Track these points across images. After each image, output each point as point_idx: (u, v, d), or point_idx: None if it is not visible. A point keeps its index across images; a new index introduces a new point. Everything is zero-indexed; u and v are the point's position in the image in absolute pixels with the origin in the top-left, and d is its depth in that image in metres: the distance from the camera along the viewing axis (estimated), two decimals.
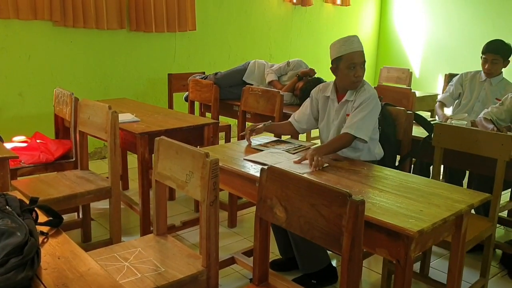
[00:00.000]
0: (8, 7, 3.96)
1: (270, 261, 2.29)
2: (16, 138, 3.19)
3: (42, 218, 1.50)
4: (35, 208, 1.45)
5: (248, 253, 2.60)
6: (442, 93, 5.16)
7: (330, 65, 2.57)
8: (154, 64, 5.01)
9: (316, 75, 3.86)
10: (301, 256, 2.42)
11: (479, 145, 2.41)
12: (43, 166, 3.02)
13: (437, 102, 3.78)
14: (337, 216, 1.37)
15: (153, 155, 2.01)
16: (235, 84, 4.00)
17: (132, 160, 3.81)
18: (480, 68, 3.54)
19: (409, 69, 5.52)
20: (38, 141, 3.20)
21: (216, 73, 4.10)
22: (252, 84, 3.98)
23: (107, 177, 2.71)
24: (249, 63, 4.13)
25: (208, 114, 4.17)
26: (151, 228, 2.90)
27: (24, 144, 3.12)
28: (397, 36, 7.10)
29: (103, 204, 3.31)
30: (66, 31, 4.37)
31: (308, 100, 2.77)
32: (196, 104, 4.21)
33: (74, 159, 3.11)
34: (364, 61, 2.50)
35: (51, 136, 3.41)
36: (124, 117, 2.98)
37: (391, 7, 7.12)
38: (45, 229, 1.43)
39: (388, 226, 1.53)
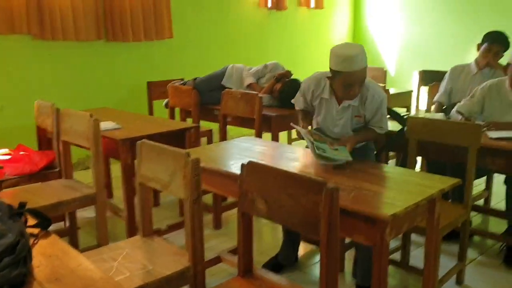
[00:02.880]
0: None
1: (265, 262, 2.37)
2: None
3: (32, 222, 1.54)
4: (25, 213, 1.50)
5: (234, 251, 2.67)
6: (417, 89, 5.34)
7: (329, 69, 2.40)
8: (133, 72, 5.06)
9: (292, 77, 3.95)
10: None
11: (450, 135, 2.52)
12: (27, 177, 3.04)
13: (435, 103, 3.66)
14: (314, 203, 1.45)
15: (135, 160, 2.07)
16: (214, 88, 4.07)
17: (116, 168, 3.84)
18: (459, 62, 3.55)
19: (383, 68, 5.67)
20: (21, 153, 3.22)
21: (195, 79, 4.17)
22: (231, 88, 4.05)
23: (92, 185, 2.75)
24: (227, 67, 4.21)
25: (189, 120, 4.23)
26: (138, 233, 2.96)
27: (8, 157, 3.14)
28: (371, 37, 7.26)
29: (89, 213, 3.35)
30: (45, 44, 4.40)
31: (300, 92, 2.63)
32: (177, 110, 4.27)
33: (58, 169, 3.14)
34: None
35: (34, 147, 3.43)
36: (106, 125, 3.02)
37: (364, 8, 7.29)
38: (35, 231, 1.48)
39: (364, 213, 1.62)
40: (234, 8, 5.86)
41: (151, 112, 4.65)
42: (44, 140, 3.49)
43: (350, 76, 2.26)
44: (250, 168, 1.66)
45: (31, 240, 1.42)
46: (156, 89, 4.67)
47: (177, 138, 3.07)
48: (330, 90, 2.44)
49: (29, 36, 4.31)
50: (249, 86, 4.00)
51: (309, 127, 2.54)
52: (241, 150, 2.53)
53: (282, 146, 2.70)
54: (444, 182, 1.91)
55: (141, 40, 4.95)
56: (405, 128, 2.74)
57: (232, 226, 3.35)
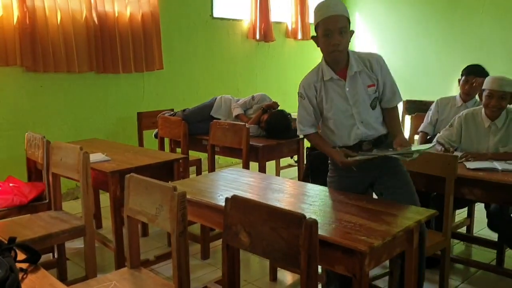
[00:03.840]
0: None
1: None
2: None
3: (21, 256, 1.59)
4: (14, 247, 1.55)
5: (220, 281, 2.71)
6: (401, 118, 5.47)
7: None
8: (124, 103, 5.14)
9: (279, 108, 4.06)
10: None
11: (429, 165, 2.61)
12: (16, 209, 3.07)
13: (419, 133, 3.74)
14: (295, 237, 1.51)
15: (119, 192, 2.13)
16: (203, 119, 4.16)
17: (104, 199, 3.87)
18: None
19: None
20: (11, 184, 3.26)
21: (184, 110, 4.26)
22: (219, 119, 4.14)
23: (81, 216, 2.79)
24: (215, 98, 4.31)
25: (178, 150, 4.31)
26: (126, 264, 2.99)
27: None
28: None
29: (78, 244, 3.37)
30: (36, 77, 4.48)
31: (302, 103, 2.43)
32: (166, 140, 4.34)
33: (47, 200, 3.18)
34: (345, 26, 2.20)
35: (23, 179, 3.47)
36: (95, 157, 3.08)
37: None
38: (24, 266, 1.53)
39: (343, 244, 1.68)
40: (223, 40, 6.01)
41: (141, 142, 4.72)
42: (34, 171, 3.53)
43: (327, 22, 2.16)
44: (233, 201, 1.73)
45: (20, 275, 1.46)
46: (146, 120, 4.75)
47: (166, 169, 3.13)
48: (327, 68, 2.31)
49: (21, 68, 4.39)
50: (237, 117, 4.09)
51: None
52: (228, 182, 2.59)
53: (268, 178, 2.76)
54: (421, 213, 1.98)
55: (132, 72, 5.05)
56: None
57: (219, 256, 3.35)
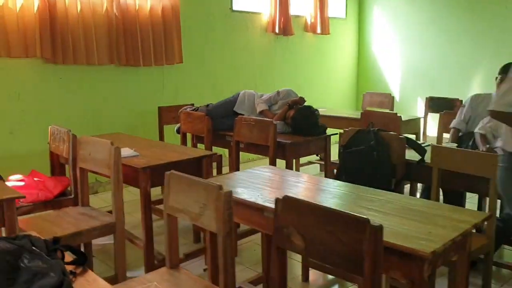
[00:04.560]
0: None
1: None
2: (12, 177, 3.17)
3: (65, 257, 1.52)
4: (60, 248, 1.48)
5: (254, 282, 2.64)
6: (424, 116, 5.37)
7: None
8: (144, 97, 5.07)
9: (305, 103, 3.96)
10: None
11: (472, 165, 2.52)
12: (42, 204, 3.01)
13: (451, 129, 3.66)
14: (357, 242, 1.43)
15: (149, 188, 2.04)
16: (226, 114, 4.08)
17: (125, 193, 3.81)
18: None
19: (390, 94, 5.71)
20: (35, 179, 3.19)
21: (207, 105, 4.18)
22: (243, 114, 4.06)
23: (107, 211, 2.72)
24: (239, 94, 4.22)
25: (200, 145, 4.23)
26: (155, 262, 2.92)
27: (22, 183, 3.11)
28: (376, 62, 7.33)
29: (101, 240, 3.30)
30: (56, 68, 4.41)
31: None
32: (188, 135, 4.26)
33: (72, 195, 3.11)
34: None
35: (46, 173, 3.41)
36: (124, 152, 3.00)
37: (370, 34, 7.37)
38: (71, 267, 1.45)
39: (403, 249, 1.60)
40: (242, 34, 5.92)
41: (161, 137, 4.64)
42: (57, 165, 3.47)
43: None
44: (285, 202, 1.64)
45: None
46: (166, 114, 4.67)
47: (193, 165, 3.05)
48: None
49: (41, 59, 4.32)
50: (262, 112, 4.00)
51: None
52: (264, 180, 2.51)
53: (308, 177, 2.67)
54: (476, 216, 1.90)
55: (152, 65, 4.97)
56: (424, 158, 2.74)
57: (247, 254, 3.32)
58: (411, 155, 2.99)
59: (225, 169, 4.62)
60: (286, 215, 1.64)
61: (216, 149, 4.36)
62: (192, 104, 4.72)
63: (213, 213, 1.78)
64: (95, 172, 2.81)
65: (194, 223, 1.90)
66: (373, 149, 2.80)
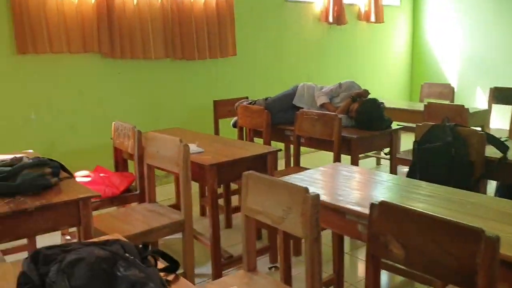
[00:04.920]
0: (60, 41, 4.04)
1: None
2: (79, 173, 3.19)
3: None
4: (153, 255, 1.43)
5: (325, 283, 2.56)
6: (488, 107, 5.10)
7: None
8: (198, 91, 5.05)
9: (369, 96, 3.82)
10: None
11: None
12: (108, 200, 3.02)
13: None
14: (469, 254, 1.31)
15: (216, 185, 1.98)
16: (285, 108, 3.99)
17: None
18: None
19: (450, 84, 5.45)
20: (101, 175, 3.21)
21: (266, 98, 4.09)
22: (302, 108, 3.95)
23: (169, 205, 2.69)
24: (297, 86, 4.11)
25: (257, 139, 4.16)
26: (222, 260, 2.88)
27: (88, 179, 3.13)
28: (431, 51, 7.04)
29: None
30: (114, 63, 4.43)
31: None
32: (244, 129, 4.20)
33: (138, 191, 3.11)
34: None
35: (110, 168, 3.42)
36: (190, 148, 2.96)
37: (424, 22, 7.08)
38: (163, 275, 1.41)
39: None
40: (295, 24, 5.79)
41: (216, 131, 4.60)
42: (120, 161, 3.48)
43: None
44: (382, 208, 1.54)
45: None
46: (221, 108, 4.62)
47: (258, 161, 2.98)
48: None
49: (99, 54, 4.35)
50: (323, 106, 3.88)
51: None
52: (341, 179, 2.40)
53: (374, 174, 2.55)
54: None
55: (206, 58, 4.93)
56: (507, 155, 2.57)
57: None
58: (492, 152, 2.80)
59: (280, 163, 4.53)
60: (383, 222, 1.54)
61: (274, 144, 4.29)
62: (247, 97, 4.65)
63: (298, 217, 1.70)
64: (163, 169, 2.78)
65: (276, 226, 1.82)
66: (450, 145, 2.65)
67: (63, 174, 2.44)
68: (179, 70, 4.87)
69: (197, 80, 5.02)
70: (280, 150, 3.17)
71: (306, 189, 1.69)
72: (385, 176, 2.40)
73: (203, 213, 4.06)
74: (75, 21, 4.12)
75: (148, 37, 4.52)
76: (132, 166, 3.50)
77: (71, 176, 2.49)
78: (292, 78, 5.72)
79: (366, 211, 1.61)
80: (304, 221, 1.68)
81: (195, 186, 3.58)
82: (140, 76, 4.63)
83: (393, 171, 3.69)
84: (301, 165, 3.65)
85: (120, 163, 3.48)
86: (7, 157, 2.65)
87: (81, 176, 3.19)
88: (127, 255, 1.37)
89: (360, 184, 2.33)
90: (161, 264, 1.45)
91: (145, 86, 4.68)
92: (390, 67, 7.02)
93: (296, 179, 2.46)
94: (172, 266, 1.44)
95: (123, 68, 4.51)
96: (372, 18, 6.45)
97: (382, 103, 3.67)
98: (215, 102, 4.64)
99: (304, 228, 1.68)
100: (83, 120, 4.32)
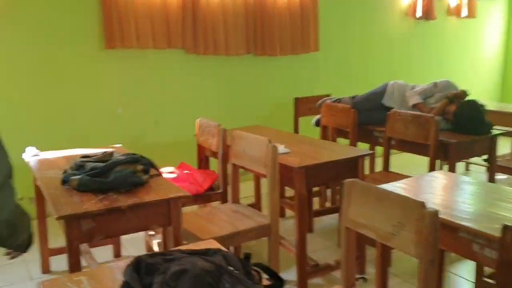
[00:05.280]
0: (146, 36, 4.06)
1: None
2: (164, 169, 3.17)
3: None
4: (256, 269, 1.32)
5: None
6: None
7: None
8: (278, 87, 4.93)
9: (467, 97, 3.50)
10: None
11: None
12: (192, 198, 2.97)
13: None
14: None
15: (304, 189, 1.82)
16: (374, 107, 3.77)
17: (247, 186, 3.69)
18: None
19: None
20: (185, 171, 3.18)
21: (353, 97, 3.89)
22: (392, 107, 3.72)
23: (248, 204, 2.58)
24: (387, 84, 3.87)
25: (339, 140, 3.97)
26: (307, 268, 2.75)
27: (173, 175, 3.11)
28: None
29: None
30: (197, 59, 4.41)
31: None
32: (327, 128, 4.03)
33: (221, 190, 3.05)
34: None
35: (192, 165, 3.39)
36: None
37: None
38: None
39: None
40: (381, 19, 5.51)
41: (296, 129, 4.46)
42: (203, 158, 3.44)
43: None
44: None
45: None
46: (302, 106, 4.48)
47: (348, 164, 2.80)
48: None
49: (183, 50, 4.35)
50: (415, 106, 3.62)
51: None
52: (456, 191, 2.17)
53: (485, 185, 2.29)
54: None
55: (288, 54, 4.80)
56: None
57: (401, 265, 3.01)
58: None
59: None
60: None
61: (360, 145, 4.09)
62: (329, 95, 4.47)
63: (412, 234, 1.52)
64: (249, 169, 2.69)
65: (384, 242, 1.65)
66: None
67: (152, 171, 2.41)
68: (260, 66, 4.78)
69: (277, 76, 4.91)
70: (373, 152, 2.96)
71: (423, 204, 1.50)
72: (503, 189, 2.13)
73: (282, 215, 3.94)
74: (161, 16, 4.14)
75: (230, 33, 4.46)
76: (214, 164, 3.47)
77: (160, 173, 2.46)
78: (375, 75, 5.46)
79: (484, 229, 1.40)
80: (419, 240, 1.49)
81: None
82: (221, 72, 4.59)
83: (491, 179, 3.37)
84: (389, 169, 3.43)
85: (203, 160, 3.44)
86: (98, 151, 2.68)
87: (167, 172, 3.17)
88: (231, 268, 1.27)
89: (472, 196, 2.09)
90: (265, 280, 1.33)
91: (226, 82, 4.63)
92: (481, 66, 6.52)
93: (395, 187, 2.26)
94: (278, 283, 1.32)
95: (205, 64, 4.48)
96: (464, 13, 6.01)
97: (483, 105, 3.35)
98: (296, 99, 4.50)
99: (419, 248, 1.50)
100: (166, 115, 4.34)
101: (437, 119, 3.11)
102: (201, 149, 3.40)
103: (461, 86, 3.65)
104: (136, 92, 4.18)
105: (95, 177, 2.15)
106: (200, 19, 4.29)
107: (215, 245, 1.59)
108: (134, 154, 2.32)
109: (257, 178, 3.78)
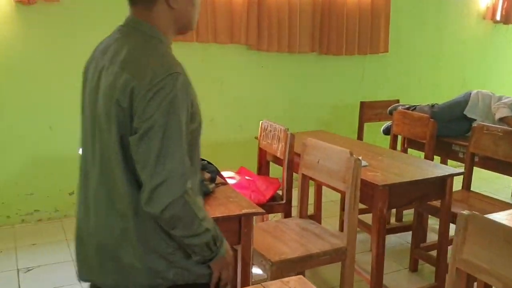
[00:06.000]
0: (207, 31, 3.84)
1: None
2: (224, 173, 2.94)
3: None
4: None
5: None
6: None
7: None
8: (341, 89, 4.62)
9: None
10: None
11: None
12: None
13: None
14: None
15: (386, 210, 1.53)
16: (454, 118, 3.41)
17: None
18: None
19: None
20: (246, 177, 2.93)
21: (432, 105, 3.54)
22: (474, 119, 3.35)
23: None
24: (470, 93, 3.49)
25: (412, 151, 3.62)
26: None
27: (233, 181, 2.86)
28: None
29: None
30: (259, 55, 4.16)
31: None
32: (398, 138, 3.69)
33: (284, 201, 2.78)
34: None
35: (252, 169, 3.14)
36: None
37: None
38: None
39: None
40: (455, 20, 5.08)
41: (360, 135, 4.14)
42: (264, 163, 3.18)
43: None
44: None
45: None
46: (368, 110, 4.15)
47: (435, 186, 2.47)
48: None
49: (245, 46, 4.10)
50: (503, 120, 3.23)
51: None
52: None
53: None
54: None
55: (354, 54, 4.47)
56: None
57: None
58: None
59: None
60: None
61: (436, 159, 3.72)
62: (398, 100, 4.13)
63: None
64: (324, 183, 2.41)
65: None
66: None
67: (218, 179, 2.17)
68: (324, 65, 4.47)
69: (342, 77, 4.59)
70: (464, 172, 2.62)
71: None
72: None
73: (341, 229, 3.63)
74: (224, 10, 3.90)
75: (295, 30, 4.17)
76: (274, 170, 3.21)
77: (226, 182, 2.21)
78: (446, 81, 5.06)
79: None
80: None
81: (330, 193, 3.18)
82: (283, 71, 4.32)
83: None
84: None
85: (264, 166, 3.18)
86: None
87: (227, 177, 2.93)
88: None
89: None
90: None
91: (287, 81, 4.36)
92: None
93: (499, 218, 1.92)
94: None
95: (266, 61, 4.22)
96: None
97: None
98: (361, 103, 4.17)
99: None
100: (222, 113, 4.11)
101: None
102: (262, 153, 3.14)
103: None
104: (194, 86, 3.96)
105: None
106: (266, 14, 4.03)
107: (303, 282, 1.33)
108: (202, 160, 2.08)
109: (319, 187, 3.48)
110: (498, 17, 5.17)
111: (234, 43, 4.01)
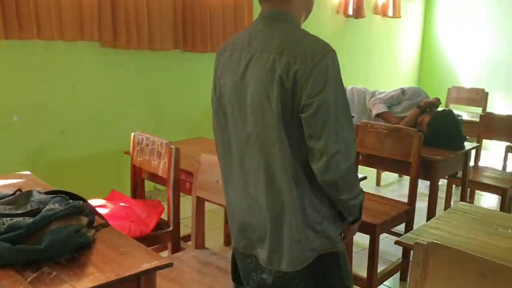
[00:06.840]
0: (51, 26, 3.16)
1: None
2: (93, 201, 2.38)
3: None
4: None
5: None
6: None
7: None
8: (209, 88, 4.24)
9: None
10: None
11: None
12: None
13: None
14: None
15: None
16: None
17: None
18: None
19: (484, 90, 4.96)
20: (121, 204, 2.42)
21: None
22: (352, 117, 3.30)
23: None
24: (345, 90, 3.44)
25: None
26: None
27: (106, 210, 2.33)
28: (441, 50, 6.53)
29: None
30: (115, 53, 3.59)
31: None
32: None
33: (170, 228, 2.36)
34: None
35: (125, 192, 2.65)
36: None
37: (435, 17, 6.56)
38: None
39: None
40: (313, 15, 5.07)
41: None
42: (139, 183, 2.70)
43: None
44: None
45: None
46: None
47: None
48: None
49: (98, 43, 3.50)
50: (380, 116, 3.24)
51: None
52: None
53: None
54: None
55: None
56: None
57: None
58: None
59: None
60: None
61: None
62: None
63: None
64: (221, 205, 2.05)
65: None
66: None
67: (96, 219, 1.67)
68: (190, 63, 4.08)
69: (210, 76, 4.23)
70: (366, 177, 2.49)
71: None
72: None
73: (226, 242, 3.33)
74: (70, 6, 3.25)
75: (156, 24, 3.69)
76: (149, 187, 2.75)
77: (107, 223, 1.71)
78: None
79: None
80: None
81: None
82: (145, 70, 3.80)
83: (464, 198, 3.11)
84: None
85: (140, 186, 2.70)
86: (4, 186, 1.85)
87: (97, 206, 2.38)
88: None
89: None
90: None
91: (150, 82, 3.85)
92: (403, 67, 6.48)
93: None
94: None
95: (125, 60, 3.67)
96: (390, 13, 5.87)
97: (460, 116, 3.07)
98: None
99: None
100: (77, 123, 3.45)
101: (420, 133, 2.73)
102: (136, 171, 2.66)
103: (385, 84, 3.37)
104: (38, 93, 3.24)
105: (17, 243, 1.37)
106: (121, 5, 3.48)
107: None
108: (74, 203, 1.55)
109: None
110: (350, 12, 5.35)
111: (85, 39, 3.38)
